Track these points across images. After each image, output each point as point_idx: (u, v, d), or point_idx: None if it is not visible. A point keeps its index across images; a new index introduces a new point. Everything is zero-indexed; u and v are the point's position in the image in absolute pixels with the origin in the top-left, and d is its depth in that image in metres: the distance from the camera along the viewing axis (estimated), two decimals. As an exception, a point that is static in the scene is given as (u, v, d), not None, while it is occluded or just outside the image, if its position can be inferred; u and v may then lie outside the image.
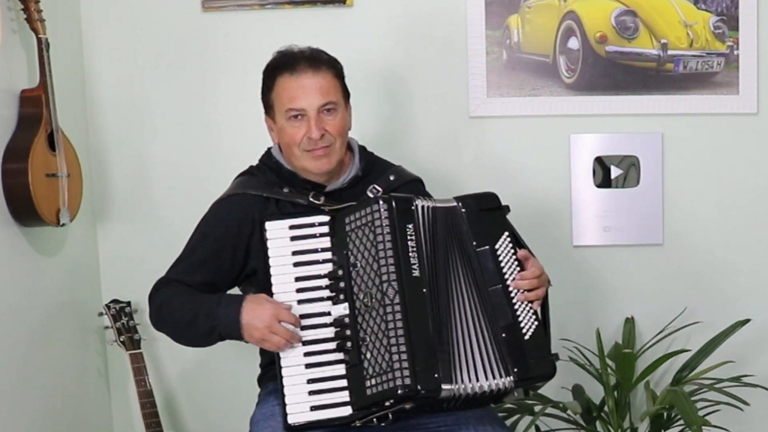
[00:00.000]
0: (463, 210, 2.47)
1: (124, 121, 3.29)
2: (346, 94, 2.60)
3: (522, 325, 2.41)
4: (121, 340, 3.12)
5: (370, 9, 3.21)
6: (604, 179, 3.24)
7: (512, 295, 2.42)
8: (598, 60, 3.18)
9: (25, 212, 2.78)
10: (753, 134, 3.19)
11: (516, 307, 2.42)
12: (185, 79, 3.26)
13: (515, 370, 2.37)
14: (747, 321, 3.08)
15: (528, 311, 2.43)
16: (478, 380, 2.35)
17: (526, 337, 2.40)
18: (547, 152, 3.24)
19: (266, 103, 2.60)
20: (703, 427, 2.69)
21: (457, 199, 2.48)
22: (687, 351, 3.09)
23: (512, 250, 2.47)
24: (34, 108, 2.82)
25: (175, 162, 3.29)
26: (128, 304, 3.17)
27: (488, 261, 2.44)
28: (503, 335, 2.39)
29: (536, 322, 2.42)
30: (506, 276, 2.44)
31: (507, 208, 2.53)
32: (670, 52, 3.17)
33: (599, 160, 3.23)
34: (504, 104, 3.22)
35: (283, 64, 2.55)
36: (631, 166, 3.22)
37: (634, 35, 3.17)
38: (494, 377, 2.36)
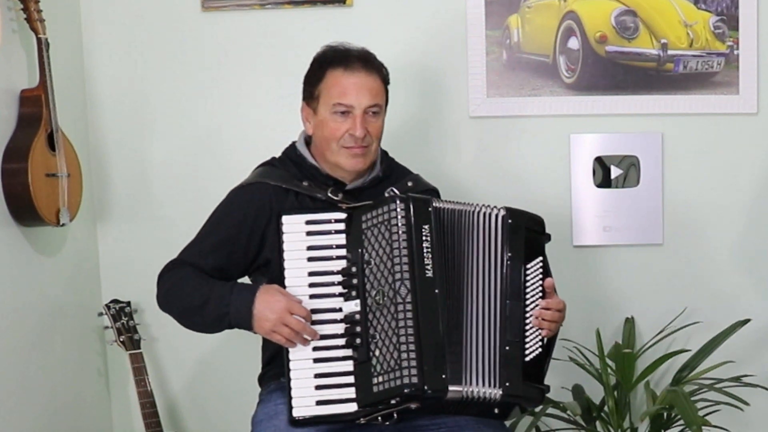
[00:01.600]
0: (509, 221, 2.47)
1: (124, 121, 3.28)
2: (387, 101, 2.62)
3: (527, 345, 2.42)
4: (121, 340, 3.12)
5: (370, 9, 3.21)
6: (604, 179, 3.24)
7: (527, 315, 2.43)
8: (598, 60, 3.18)
9: (25, 212, 2.78)
10: (753, 134, 3.19)
11: (527, 327, 2.43)
12: (185, 79, 3.26)
13: (506, 384, 2.37)
14: (747, 321, 3.08)
15: (536, 336, 2.44)
16: (471, 385, 2.36)
17: (527, 358, 2.41)
18: (547, 152, 3.24)
19: (310, 93, 2.59)
20: (703, 427, 2.69)
21: (507, 209, 2.48)
22: (687, 351, 3.09)
23: (540, 276, 2.48)
24: (34, 108, 2.82)
25: (175, 162, 3.29)
26: (128, 304, 3.17)
27: (516, 275, 2.44)
28: (506, 348, 2.39)
29: (540, 349, 2.44)
30: (527, 296, 2.45)
31: (548, 237, 2.55)
32: (670, 52, 3.17)
33: (599, 160, 3.23)
34: (504, 104, 3.22)
35: (338, 58, 2.56)
36: (631, 166, 3.22)
37: (634, 35, 3.17)
38: (484, 385, 2.36)
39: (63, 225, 2.89)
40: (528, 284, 2.45)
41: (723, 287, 3.25)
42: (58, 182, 2.86)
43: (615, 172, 3.23)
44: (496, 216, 2.46)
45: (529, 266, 2.46)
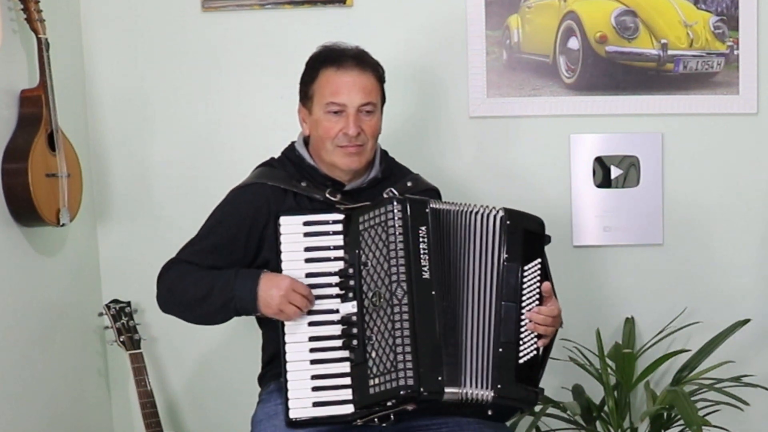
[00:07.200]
0: (508, 222, 2.44)
1: (124, 121, 3.29)
2: (383, 99, 2.62)
3: (521, 348, 2.40)
4: (121, 340, 3.12)
5: (370, 9, 3.21)
6: (604, 179, 3.24)
7: (523, 317, 2.41)
8: (598, 60, 3.18)
9: (25, 212, 2.78)
10: (753, 134, 3.20)
11: (522, 329, 2.41)
12: (185, 79, 3.26)
13: (498, 386, 2.36)
14: (747, 321, 3.09)
15: (532, 338, 2.42)
16: (467, 386, 2.35)
17: (521, 360, 2.39)
18: (547, 152, 3.24)
19: (305, 93, 2.60)
20: (703, 427, 2.69)
21: (506, 210, 2.46)
22: (687, 351, 3.09)
23: (538, 278, 2.45)
24: (34, 108, 2.82)
25: (175, 162, 3.29)
26: (128, 304, 3.17)
27: (512, 277, 2.42)
28: (500, 350, 2.38)
29: (535, 352, 2.42)
30: (524, 298, 2.43)
31: (548, 239, 2.52)
32: (670, 52, 3.17)
33: (599, 160, 3.23)
34: (504, 104, 3.22)
35: (331, 57, 2.56)
36: (631, 166, 3.22)
37: (634, 35, 3.17)
38: (476, 386, 2.35)
39: (63, 225, 2.89)
40: (525, 286, 2.43)
41: (723, 287, 3.25)
42: (58, 182, 2.86)
43: (615, 172, 3.23)
44: (494, 217, 2.45)
45: (526, 268, 2.44)
